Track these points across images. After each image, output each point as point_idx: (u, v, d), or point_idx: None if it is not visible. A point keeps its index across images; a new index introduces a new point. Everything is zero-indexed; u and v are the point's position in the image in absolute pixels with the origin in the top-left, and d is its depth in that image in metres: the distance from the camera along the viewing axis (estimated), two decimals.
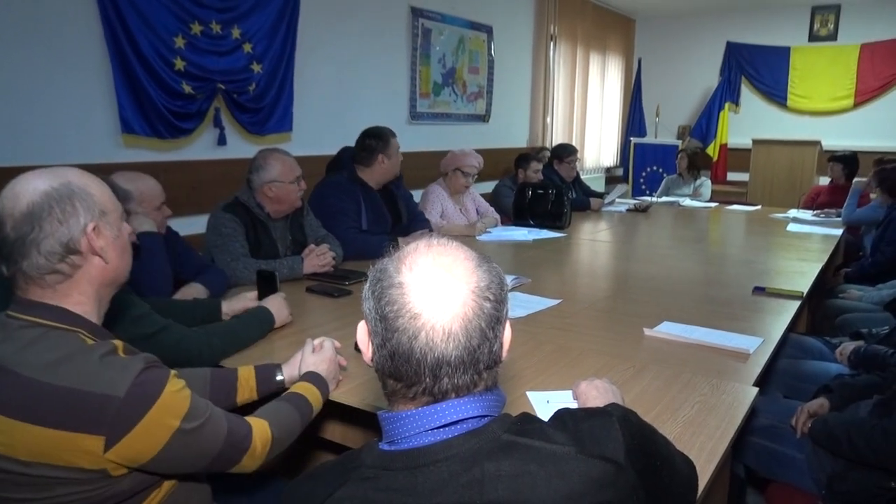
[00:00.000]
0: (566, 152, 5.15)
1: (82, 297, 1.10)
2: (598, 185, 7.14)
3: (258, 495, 1.53)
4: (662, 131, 8.06)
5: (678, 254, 3.48)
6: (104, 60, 3.13)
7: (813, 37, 7.65)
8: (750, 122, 7.92)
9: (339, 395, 1.53)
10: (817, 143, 7.04)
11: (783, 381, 2.43)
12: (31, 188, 1.05)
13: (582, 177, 5.63)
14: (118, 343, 1.08)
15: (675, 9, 8.08)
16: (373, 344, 0.83)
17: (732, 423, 1.37)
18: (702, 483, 1.11)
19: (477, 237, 3.63)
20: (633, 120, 8.20)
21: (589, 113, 7.83)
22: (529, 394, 1.51)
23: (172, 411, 1.04)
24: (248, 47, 3.72)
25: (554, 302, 2.30)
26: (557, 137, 6.98)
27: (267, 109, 3.90)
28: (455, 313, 0.78)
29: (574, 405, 1.34)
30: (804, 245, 3.64)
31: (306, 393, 1.40)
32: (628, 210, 4.91)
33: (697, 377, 1.61)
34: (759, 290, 2.47)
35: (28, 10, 2.85)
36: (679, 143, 7.57)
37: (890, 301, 3.10)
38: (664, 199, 5.71)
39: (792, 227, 4.28)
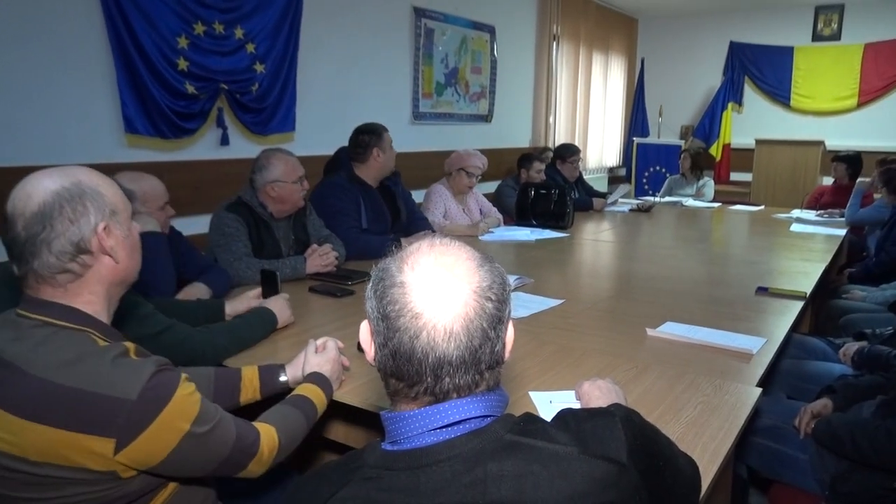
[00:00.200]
0: (569, 152, 5.15)
1: (92, 297, 1.10)
2: (600, 185, 7.14)
3: (263, 497, 1.53)
4: (665, 131, 8.05)
5: (681, 254, 3.48)
6: (108, 60, 3.13)
7: (816, 36, 7.63)
8: (753, 121, 7.91)
9: (342, 395, 1.53)
10: (821, 143, 7.02)
11: (786, 382, 2.43)
12: (42, 187, 1.06)
13: (585, 177, 5.63)
14: (130, 345, 1.08)
15: (678, 8, 8.07)
16: (375, 343, 0.83)
17: (735, 424, 1.37)
18: (705, 483, 1.11)
19: (480, 237, 3.63)
20: (636, 120, 8.19)
21: (592, 113, 7.82)
22: (532, 394, 1.51)
23: (183, 415, 1.05)
24: (251, 47, 3.73)
25: (557, 302, 2.30)
26: (560, 137, 6.97)
27: (270, 109, 3.91)
28: (457, 313, 0.78)
29: (577, 405, 1.34)
30: (807, 245, 3.64)
31: (311, 395, 1.40)
32: (631, 210, 4.91)
33: (700, 377, 1.61)
34: (762, 291, 2.47)
35: (31, 10, 2.85)
36: (682, 143, 7.56)
37: (894, 301, 3.09)
38: (667, 199, 5.70)
39: (795, 227, 4.27)
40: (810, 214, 4.85)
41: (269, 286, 2.11)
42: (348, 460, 0.84)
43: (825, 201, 5.38)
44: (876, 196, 4.61)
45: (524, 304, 2.23)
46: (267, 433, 1.21)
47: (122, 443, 0.99)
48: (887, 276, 3.59)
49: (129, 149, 3.25)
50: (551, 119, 6.93)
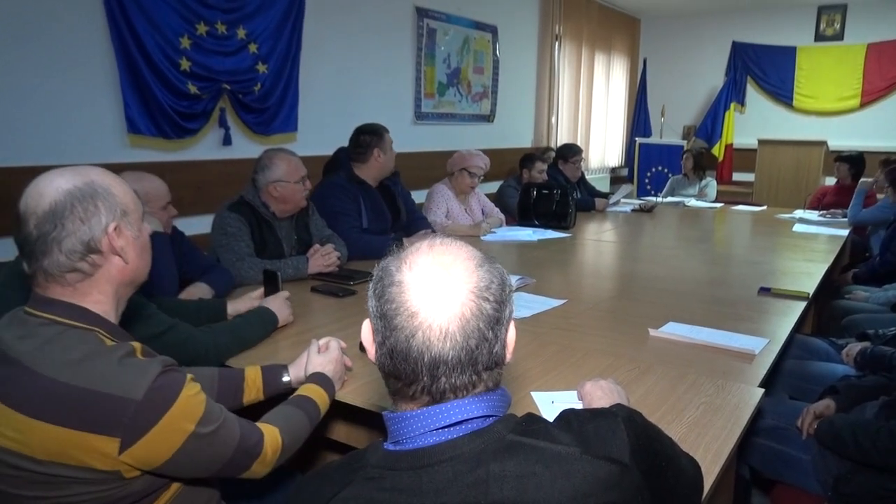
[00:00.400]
0: (571, 152, 5.15)
1: (101, 297, 1.11)
2: (602, 186, 7.13)
3: (266, 498, 1.53)
4: (668, 131, 8.04)
5: (683, 254, 3.47)
6: (110, 61, 3.14)
7: (819, 36, 7.62)
8: (755, 122, 7.90)
9: (345, 395, 1.53)
10: (823, 143, 7.01)
11: (789, 382, 2.42)
12: (54, 186, 1.06)
13: (587, 177, 5.63)
14: (136, 345, 1.08)
15: (681, 8, 8.07)
16: (375, 342, 0.83)
17: (738, 424, 1.37)
18: (707, 484, 1.11)
19: (482, 237, 3.63)
20: (639, 120, 8.18)
21: (594, 113, 7.82)
22: (534, 394, 1.51)
23: (188, 415, 1.05)
24: (253, 47, 3.73)
25: (559, 302, 2.30)
26: (562, 137, 6.97)
27: (272, 109, 3.91)
28: (453, 313, 0.78)
29: (579, 405, 1.34)
30: (810, 245, 3.63)
31: (314, 395, 1.41)
32: (633, 210, 4.91)
33: (703, 378, 1.61)
34: (764, 291, 2.47)
35: (34, 10, 2.86)
36: (684, 143, 7.55)
37: None
38: (669, 199, 5.69)
39: (798, 227, 4.26)
40: (813, 215, 4.84)
41: (271, 286, 2.12)
42: (351, 460, 0.84)
43: (828, 201, 5.37)
44: (879, 196, 4.60)
45: (526, 305, 2.23)
46: (270, 434, 1.21)
47: (127, 443, 1.00)
48: (892, 277, 3.58)
49: (132, 149, 3.25)
50: (553, 119, 6.93)
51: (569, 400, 1.43)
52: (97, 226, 1.07)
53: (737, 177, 7.69)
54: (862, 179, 4.69)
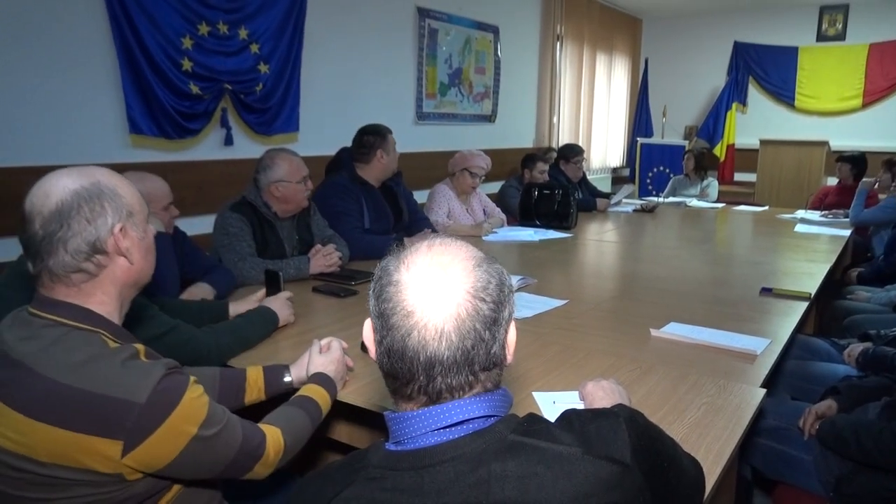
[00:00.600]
0: (572, 152, 5.15)
1: (105, 298, 1.11)
2: (604, 186, 7.13)
3: (268, 499, 1.53)
4: (669, 131, 8.04)
5: (685, 254, 3.47)
6: (112, 61, 3.14)
7: (821, 36, 7.61)
8: (757, 122, 7.89)
9: (346, 395, 1.53)
10: (825, 143, 7.00)
11: (790, 383, 2.42)
12: (60, 186, 1.06)
13: (588, 177, 5.62)
14: (140, 347, 1.08)
15: (682, 9, 8.06)
16: (374, 341, 0.83)
17: (740, 425, 1.37)
18: (709, 484, 1.11)
19: (483, 237, 3.63)
20: (640, 120, 8.18)
21: (595, 113, 7.82)
22: (535, 394, 1.51)
23: (191, 418, 1.05)
24: (255, 48, 3.73)
25: (560, 302, 2.30)
26: (564, 138, 6.97)
27: (274, 110, 3.92)
28: (449, 313, 0.78)
29: (580, 406, 1.34)
30: (812, 246, 3.63)
31: (316, 396, 1.41)
32: (635, 210, 4.90)
33: (704, 378, 1.61)
34: (766, 291, 2.47)
35: (35, 10, 2.87)
36: (686, 143, 7.54)
37: None
38: (671, 199, 5.69)
39: (799, 227, 4.26)
40: (815, 215, 4.83)
41: (273, 286, 2.12)
42: (352, 460, 0.84)
43: (830, 202, 5.37)
44: (881, 196, 4.59)
45: (527, 305, 2.23)
46: (272, 435, 1.21)
47: (130, 445, 0.99)
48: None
49: (134, 149, 3.26)
50: (555, 119, 6.93)
51: (570, 400, 1.43)
52: (103, 226, 1.07)
53: (738, 177, 7.69)
54: (863, 179, 4.68)
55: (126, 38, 3.14)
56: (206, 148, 3.61)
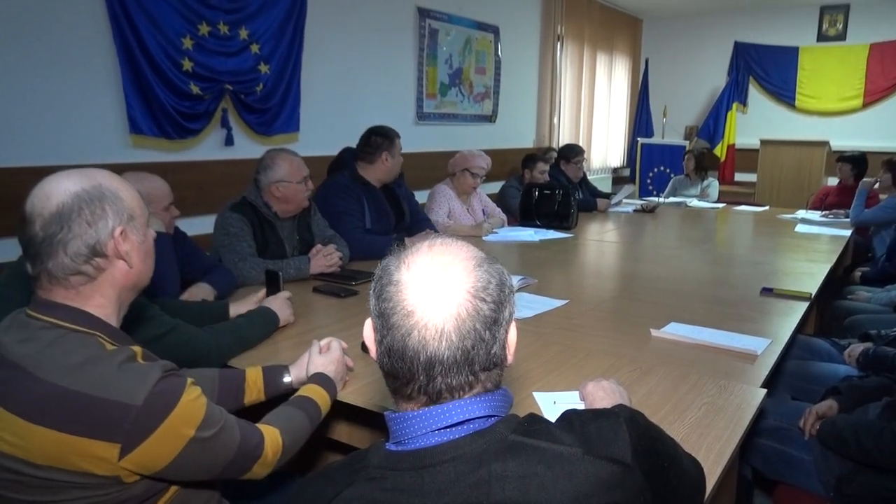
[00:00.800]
0: (573, 153, 5.15)
1: (104, 300, 1.10)
2: (605, 186, 7.13)
3: (268, 498, 1.53)
4: (670, 132, 8.04)
5: (685, 254, 3.47)
6: (112, 61, 3.15)
7: (821, 37, 7.61)
8: (758, 122, 7.89)
9: (346, 396, 1.53)
10: (826, 143, 7.00)
11: (791, 383, 2.42)
12: (62, 188, 1.06)
13: (589, 177, 5.62)
14: (137, 349, 1.08)
15: (683, 9, 8.06)
16: (375, 341, 0.83)
17: (740, 425, 1.37)
18: (709, 484, 1.11)
19: (483, 237, 3.63)
20: (641, 120, 8.18)
21: (596, 113, 7.82)
22: (536, 394, 1.51)
23: (188, 420, 1.04)
24: (255, 48, 3.74)
25: (560, 302, 2.30)
26: (564, 138, 6.97)
27: (274, 110, 3.92)
28: (449, 313, 0.78)
29: (581, 406, 1.34)
30: (812, 246, 3.63)
31: (315, 396, 1.40)
32: (635, 210, 4.90)
33: (705, 378, 1.61)
34: (766, 291, 2.46)
35: (36, 11, 2.87)
36: (686, 143, 7.54)
37: None
38: (671, 199, 5.69)
39: (800, 227, 4.26)
40: (815, 215, 4.83)
41: (273, 286, 2.12)
42: (352, 460, 0.84)
43: (830, 202, 5.36)
44: (882, 197, 4.59)
45: (528, 305, 2.23)
46: (271, 435, 1.21)
47: (127, 448, 0.99)
48: None
49: (134, 149, 3.26)
50: (555, 119, 6.93)
51: (571, 400, 1.43)
52: (104, 229, 1.07)
53: (739, 177, 7.69)
54: (864, 180, 4.68)
55: (126, 38, 3.14)
56: (207, 148, 3.61)
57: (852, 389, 2.02)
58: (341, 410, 1.57)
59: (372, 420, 1.56)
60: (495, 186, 5.07)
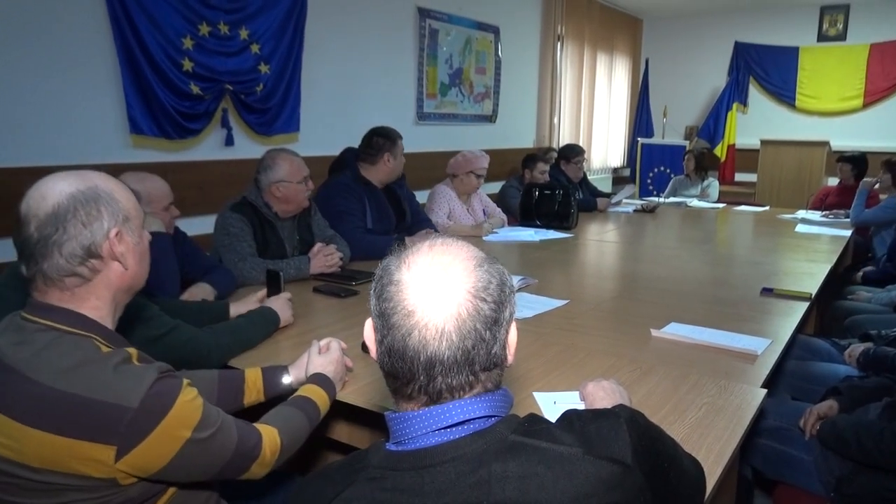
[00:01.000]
0: (573, 153, 5.15)
1: (99, 302, 1.10)
2: (605, 186, 7.13)
3: (267, 498, 1.53)
4: (670, 132, 8.04)
5: (685, 255, 3.47)
6: (113, 61, 3.15)
7: (822, 37, 7.61)
8: (758, 122, 7.89)
9: (346, 396, 1.53)
10: (826, 143, 7.00)
11: (791, 383, 2.42)
12: (57, 190, 1.05)
13: (589, 177, 5.62)
14: (132, 351, 1.08)
15: (683, 9, 8.06)
16: (375, 340, 0.83)
17: (740, 425, 1.37)
18: (709, 485, 1.11)
19: (483, 238, 3.63)
20: (641, 120, 8.18)
21: (596, 113, 7.82)
22: (536, 394, 1.51)
23: (184, 422, 1.04)
24: (255, 48, 3.74)
25: (561, 302, 2.30)
26: (564, 138, 6.97)
27: (274, 110, 3.92)
28: (449, 313, 0.78)
29: (581, 406, 1.34)
30: (813, 246, 3.63)
31: (314, 396, 1.40)
32: (635, 211, 4.90)
33: (705, 378, 1.61)
34: (767, 291, 2.46)
35: (37, 11, 2.87)
36: (686, 143, 7.54)
37: None
38: (671, 199, 5.69)
39: (800, 227, 4.26)
40: (815, 215, 4.83)
41: (274, 286, 2.12)
42: (352, 461, 0.84)
43: (830, 202, 5.36)
44: (882, 197, 4.59)
45: (528, 305, 2.23)
46: (269, 435, 1.21)
47: (123, 450, 0.99)
48: None
49: (134, 149, 3.26)
50: (555, 119, 6.93)
51: (571, 400, 1.43)
52: (99, 230, 1.07)
53: (739, 177, 7.69)
54: (864, 180, 4.68)
55: (126, 38, 3.14)
56: (207, 148, 3.61)
57: (853, 390, 2.02)
58: (341, 410, 1.57)
59: (372, 420, 1.55)
60: (495, 186, 5.07)
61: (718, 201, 5.71)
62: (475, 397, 0.81)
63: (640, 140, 7.74)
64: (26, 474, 1.00)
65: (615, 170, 8.53)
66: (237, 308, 2.00)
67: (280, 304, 1.97)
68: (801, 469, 1.90)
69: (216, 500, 1.26)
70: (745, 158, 7.52)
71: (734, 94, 7.72)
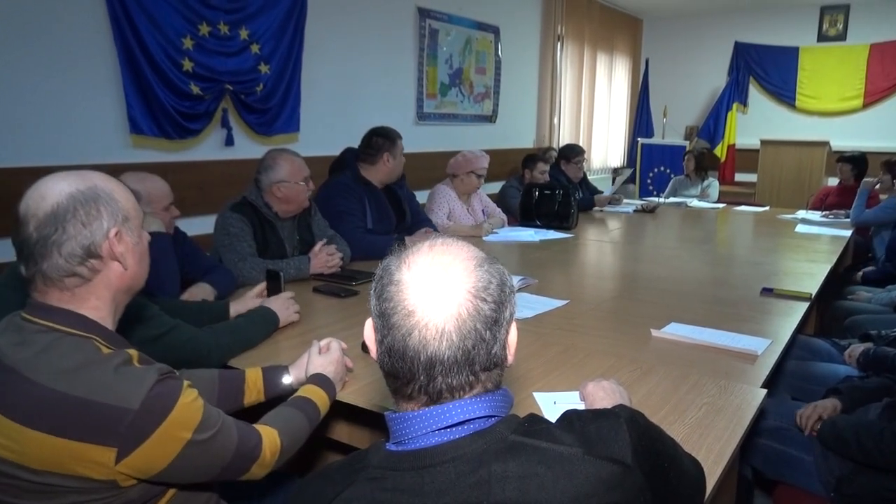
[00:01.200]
0: (573, 153, 5.15)
1: (99, 303, 1.10)
2: (605, 186, 7.13)
3: (266, 499, 1.53)
4: (670, 132, 8.04)
5: (685, 255, 3.47)
6: (113, 61, 3.15)
7: (822, 37, 7.61)
8: (758, 122, 7.89)
9: (346, 396, 1.53)
10: (826, 143, 7.00)
11: (791, 383, 2.42)
12: (57, 189, 1.05)
13: (589, 177, 5.62)
14: (133, 352, 1.08)
15: (683, 9, 8.06)
16: (375, 340, 0.83)
17: (740, 425, 1.37)
18: (710, 485, 1.11)
19: (483, 238, 3.63)
20: (641, 120, 8.18)
21: (596, 113, 7.82)
22: (536, 395, 1.51)
23: (185, 423, 1.04)
24: (255, 48, 3.74)
25: (561, 303, 2.30)
26: (564, 138, 6.97)
27: (274, 110, 3.92)
28: (450, 313, 0.78)
29: (581, 406, 1.34)
30: (813, 246, 3.63)
31: (314, 397, 1.40)
32: (635, 211, 4.90)
33: (705, 378, 1.61)
34: (767, 292, 2.46)
35: (37, 11, 2.87)
36: (686, 143, 7.54)
37: None
38: (671, 199, 5.69)
39: (800, 228, 4.26)
40: (815, 215, 4.83)
41: (274, 286, 2.12)
42: (352, 461, 0.84)
43: (830, 202, 5.36)
44: (882, 197, 4.59)
45: (528, 305, 2.23)
46: (269, 436, 1.21)
47: (124, 452, 0.99)
48: None
49: (134, 149, 3.26)
50: (556, 119, 6.92)
51: (571, 400, 1.43)
52: (98, 230, 1.07)
53: (739, 177, 7.69)
54: (865, 180, 4.68)
55: (126, 38, 3.14)
56: (207, 148, 3.61)
57: (853, 390, 2.02)
58: (341, 411, 1.57)
59: (372, 420, 1.55)
60: (495, 186, 5.07)
61: (718, 201, 5.71)
62: (475, 397, 0.81)
63: (640, 140, 7.74)
64: (26, 476, 1.00)
65: (615, 170, 8.53)
66: (237, 308, 2.01)
67: (278, 304, 1.97)
68: (801, 469, 1.90)
69: (216, 501, 1.26)
70: (745, 158, 7.52)
71: (734, 94, 7.72)
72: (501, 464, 0.75)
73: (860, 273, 3.91)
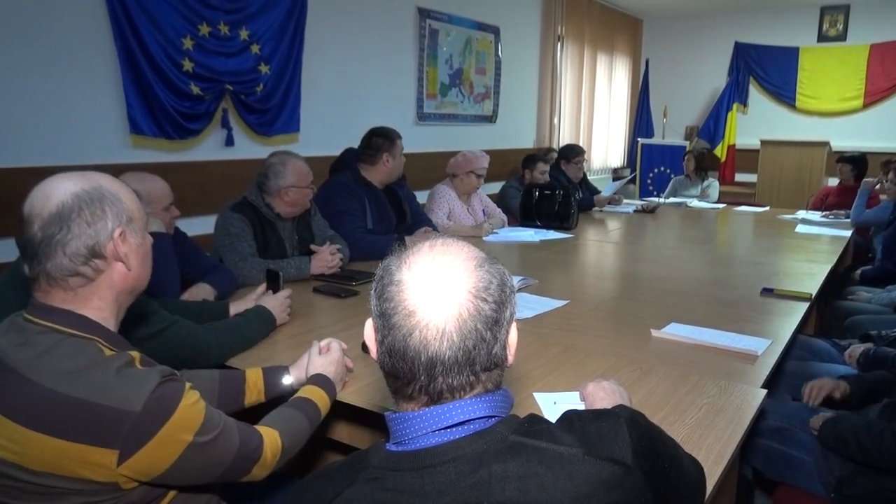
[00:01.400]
0: (573, 153, 5.15)
1: (101, 303, 1.10)
2: (604, 186, 7.13)
3: (266, 500, 1.53)
4: (670, 132, 8.04)
5: (686, 255, 3.47)
6: (113, 61, 3.15)
7: (822, 37, 7.61)
8: (758, 122, 7.89)
9: (347, 396, 1.53)
10: (826, 143, 7.00)
11: (791, 383, 2.41)
12: (62, 189, 1.05)
13: (589, 177, 5.61)
14: (135, 354, 1.07)
15: (683, 9, 8.06)
16: (376, 340, 0.83)
17: (740, 425, 1.37)
18: (710, 485, 1.11)
19: (483, 238, 3.63)
20: (641, 120, 8.18)
21: (596, 113, 7.82)
22: (536, 395, 1.51)
23: (187, 425, 1.04)
24: (255, 48, 3.74)
25: (561, 303, 2.30)
26: (564, 138, 6.97)
27: (274, 110, 3.92)
28: (450, 313, 0.78)
29: (581, 406, 1.34)
30: (813, 246, 3.63)
31: (314, 397, 1.40)
32: (635, 211, 4.90)
33: (705, 379, 1.61)
34: (767, 292, 2.46)
35: (37, 11, 2.87)
36: (686, 143, 7.54)
37: None
38: (671, 200, 5.69)
39: (800, 228, 4.26)
40: (815, 215, 4.83)
41: (273, 286, 2.12)
42: (353, 461, 0.84)
43: (830, 202, 5.36)
44: (882, 197, 4.59)
45: (528, 305, 2.23)
46: (270, 437, 1.21)
47: (126, 455, 0.99)
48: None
49: (135, 149, 3.26)
50: (556, 120, 6.92)
51: (571, 401, 1.43)
52: (103, 230, 1.07)
53: (739, 177, 7.69)
54: (865, 180, 4.68)
55: (127, 38, 3.14)
56: (207, 148, 3.61)
57: (858, 380, 2.03)
58: (341, 411, 1.57)
59: (372, 420, 1.55)
60: (495, 187, 5.07)
61: (718, 202, 5.71)
62: (475, 397, 0.81)
63: (641, 140, 7.74)
64: (27, 477, 1.00)
65: (615, 170, 8.53)
66: (237, 308, 2.00)
67: (273, 303, 1.97)
68: (801, 469, 1.90)
69: (216, 503, 1.26)
70: (746, 159, 7.52)
71: (734, 94, 7.72)
72: (502, 464, 0.75)
73: (858, 271, 3.91)
